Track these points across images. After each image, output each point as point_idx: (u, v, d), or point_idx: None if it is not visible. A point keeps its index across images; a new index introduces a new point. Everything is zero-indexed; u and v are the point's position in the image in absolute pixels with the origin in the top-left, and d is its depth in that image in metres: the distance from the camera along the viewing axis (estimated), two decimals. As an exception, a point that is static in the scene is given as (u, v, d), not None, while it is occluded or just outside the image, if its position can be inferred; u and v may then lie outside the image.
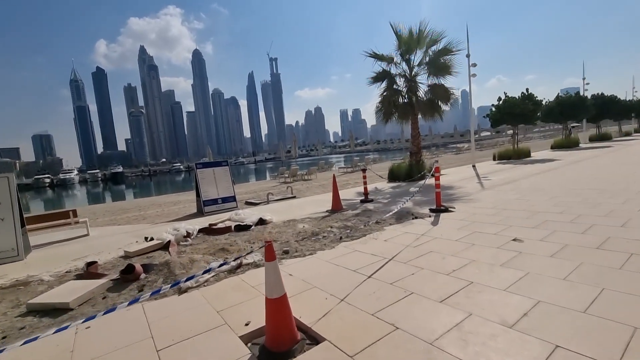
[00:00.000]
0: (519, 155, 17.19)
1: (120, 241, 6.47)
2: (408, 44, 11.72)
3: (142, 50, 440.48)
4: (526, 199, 6.65)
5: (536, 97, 17.13)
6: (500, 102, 17.52)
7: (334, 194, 7.55)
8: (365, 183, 8.42)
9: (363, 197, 8.40)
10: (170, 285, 2.49)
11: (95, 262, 4.83)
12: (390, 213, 5.61)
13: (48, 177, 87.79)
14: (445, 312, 2.58)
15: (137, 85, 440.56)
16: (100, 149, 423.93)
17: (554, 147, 23.49)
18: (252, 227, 6.43)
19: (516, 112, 16.67)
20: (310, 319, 2.66)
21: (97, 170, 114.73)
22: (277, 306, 2.25)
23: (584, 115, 23.34)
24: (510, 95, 17.45)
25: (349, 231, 5.31)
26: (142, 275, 4.08)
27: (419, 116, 12.38)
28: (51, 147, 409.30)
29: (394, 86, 12.16)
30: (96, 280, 4.03)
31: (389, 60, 12.21)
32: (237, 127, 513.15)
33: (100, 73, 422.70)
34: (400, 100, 12.19)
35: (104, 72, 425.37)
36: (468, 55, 14.64)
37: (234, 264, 4.00)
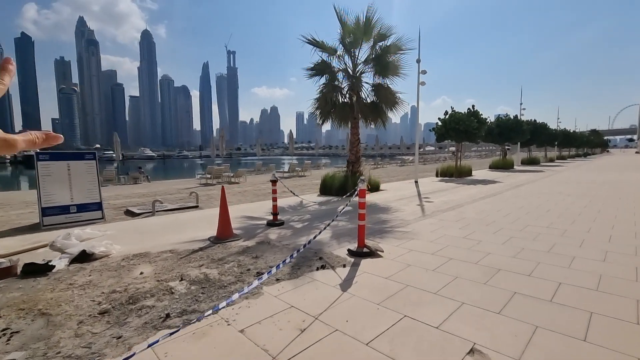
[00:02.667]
0: (460, 173, 16.51)
1: None
2: (354, 34, 9.90)
3: (82, 21, 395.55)
4: (477, 240, 5.00)
5: (481, 114, 16.65)
6: (447, 116, 16.75)
7: (222, 217, 5.25)
8: (275, 199, 6.25)
9: (272, 219, 6.22)
10: None
11: None
12: (287, 260, 3.47)
13: None
14: None
15: (72, 60, 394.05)
16: (19, 126, 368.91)
17: (492, 167, 23.83)
18: (62, 265, 3.86)
19: (461, 129, 15.96)
20: None
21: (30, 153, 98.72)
22: None
23: (520, 139, 24.04)
24: (456, 110, 16.77)
25: (196, 296, 3.04)
26: None
27: (361, 122, 10.64)
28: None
29: (335, 82, 10.26)
30: None
31: (331, 51, 10.30)
32: (186, 118, 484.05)
33: (26, 40, 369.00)
34: (340, 99, 10.32)
35: (30, 40, 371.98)
36: (418, 61, 13.40)
37: None
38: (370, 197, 9.47)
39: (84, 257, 4.06)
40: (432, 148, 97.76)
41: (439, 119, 17.21)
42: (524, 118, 27.61)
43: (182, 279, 3.44)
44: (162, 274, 3.61)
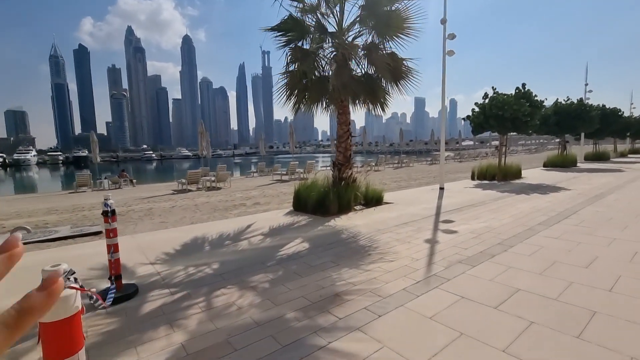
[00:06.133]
0: (505, 175, 12.44)
1: None
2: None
3: (130, 30, 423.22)
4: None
5: (535, 96, 12.41)
6: (486, 100, 12.73)
7: None
8: (114, 249, 3.21)
9: (111, 286, 3.19)
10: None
11: None
12: None
13: (0, 156, 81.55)
14: None
15: (122, 67, 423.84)
16: (78, 130, 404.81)
17: (547, 165, 19.07)
18: None
19: (506, 116, 11.90)
20: None
21: (59, 153, 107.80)
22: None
23: (586, 128, 18.96)
24: (500, 92, 12.68)
25: None
26: None
27: (351, 104, 7.33)
28: (25, 124, 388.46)
29: (310, 47, 7.01)
30: None
31: (311, 8, 7.04)
32: (224, 118, 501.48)
33: (83, 51, 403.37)
34: (317, 73, 7.08)
35: (86, 50, 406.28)
36: (444, 21, 9.71)
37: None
38: (358, 219, 6.17)
39: None
40: (471, 142, 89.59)
41: (476, 104, 13.23)
42: (589, 103, 22.21)
43: None
44: None
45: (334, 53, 7.09)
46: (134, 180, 16.58)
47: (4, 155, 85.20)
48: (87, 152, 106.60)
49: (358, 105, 7.46)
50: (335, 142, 7.49)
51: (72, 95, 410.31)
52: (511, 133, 13.10)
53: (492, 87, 12.95)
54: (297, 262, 3.93)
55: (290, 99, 7.33)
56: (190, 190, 12.57)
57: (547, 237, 4.68)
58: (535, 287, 3.06)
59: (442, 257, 3.98)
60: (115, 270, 3.01)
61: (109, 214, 2.93)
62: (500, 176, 12.26)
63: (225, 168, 16.93)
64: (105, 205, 2.94)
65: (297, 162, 16.92)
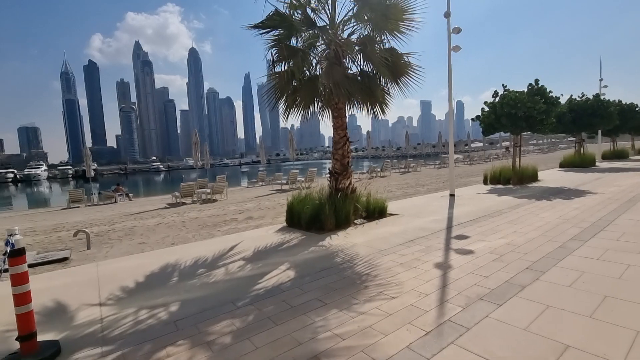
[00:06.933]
0: (521, 178, 11.50)
1: None
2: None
3: (137, 45, 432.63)
4: None
5: (550, 92, 11.48)
6: (497, 98, 11.86)
7: None
8: (22, 301, 2.47)
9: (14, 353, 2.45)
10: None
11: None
12: None
13: (11, 172, 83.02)
14: None
15: (130, 80, 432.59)
16: (89, 143, 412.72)
17: (564, 165, 17.98)
18: None
19: (519, 114, 11.00)
20: None
21: (69, 167, 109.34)
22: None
23: (604, 125, 17.84)
24: (511, 90, 11.80)
25: None
26: None
27: (347, 106, 6.58)
28: (37, 139, 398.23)
29: (298, 44, 6.32)
30: None
31: (300, 4, 6.36)
32: (230, 127, 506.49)
33: (92, 67, 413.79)
34: (308, 73, 6.36)
35: (96, 66, 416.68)
36: (447, 15, 8.96)
37: None
38: (357, 237, 5.37)
39: None
40: (480, 144, 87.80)
41: (485, 103, 12.36)
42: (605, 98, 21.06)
43: None
44: None
45: (326, 51, 6.37)
46: (130, 195, 16.05)
47: (15, 171, 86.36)
48: (95, 165, 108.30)
49: (355, 107, 6.70)
50: (332, 149, 6.73)
51: (83, 110, 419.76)
52: (525, 133, 12.17)
53: (503, 85, 12.08)
54: (275, 301, 3.15)
55: (279, 103, 6.62)
56: (184, 204, 11.92)
57: (585, 258, 3.82)
58: (590, 342, 2.23)
59: (457, 290, 3.15)
60: (23, 327, 2.28)
61: (11, 255, 2.20)
62: (515, 180, 11.32)
63: (225, 178, 16.32)
64: (7, 243, 2.22)
65: (298, 171, 16.20)
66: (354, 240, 5.17)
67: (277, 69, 6.49)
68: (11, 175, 79.27)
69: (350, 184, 6.72)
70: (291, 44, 6.39)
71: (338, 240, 5.23)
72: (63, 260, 5.36)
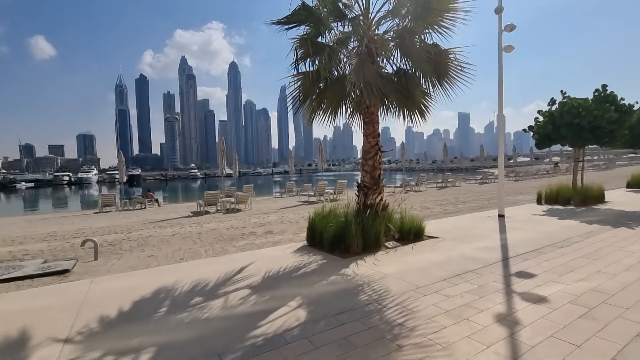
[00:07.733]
0: (585, 199, 9.84)
1: None
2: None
3: (183, 60, 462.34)
4: None
5: (622, 99, 9.82)
6: (554, 106, 10.37)
7: None
8: None
9: None
10: None
11: None
12: None
13: (67, 175, 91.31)
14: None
15: (175, 92, 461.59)
16: (136, 151, 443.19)
17: (632, 185, 15.59)
18: None
19: (584, 124, 9.46)
20: None
21: (116, 171, 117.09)
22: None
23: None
24: (572, 97, 10.26)
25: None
26: None
27: (380, 110, 5.72)
28: (92, 146, 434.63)
29: (326, 41, 5.60)
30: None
31: None
32: (265, 137, 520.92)
33: (143, 80, 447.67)
34: (336, 72, 5.60)
35: (146, 79, 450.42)
36: (499, 10, 7.88)
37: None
38: (388, 265, 4.43)
39: None
40: (526, 159, 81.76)
41: (539, 112, 10.90)
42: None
43: None
44: None
45: (358, 47, 5.60)
46: (160, 200, 16.15)
47: (70, 174, 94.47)
48: (139, 170, 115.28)
49: (389, 112, 5.82)
50: (361, 159, 5.88)
51: (132, 119, 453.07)
52: (589, 146, 10.50)
53: (561, 92, 10.60)
54: (273, 358, 2.33)
55: (303, 107, 5.92)
56: (207, 212, 11.56)
57: None
58: None
59: (536, 367, 2.14)
60: None
61: None
62: (578, 200, 9.69)
63: (253, 188, 15.96)
64: None
65: (327, 182, 15.42)
66: (384, 270, 4.23)
67: (302, 69, 5.83)
68: (67, 178, 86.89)
69: (381, 199, 5.81)
70: (318, 40, 5.70)
71: (365, 269, 4.33)
72: (64, 272, 4.95)
